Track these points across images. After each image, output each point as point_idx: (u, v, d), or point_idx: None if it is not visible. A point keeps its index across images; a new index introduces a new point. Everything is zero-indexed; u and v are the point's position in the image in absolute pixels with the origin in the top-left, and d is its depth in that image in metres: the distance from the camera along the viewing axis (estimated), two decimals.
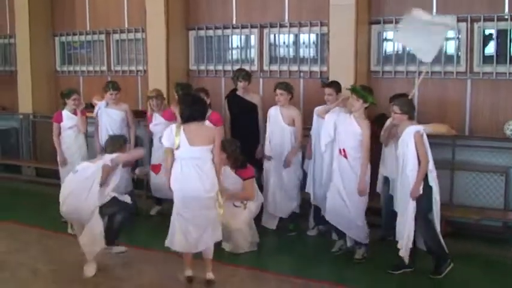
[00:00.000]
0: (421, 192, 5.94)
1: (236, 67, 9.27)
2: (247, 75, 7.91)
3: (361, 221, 6.56)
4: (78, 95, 8.29)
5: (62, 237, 7.31)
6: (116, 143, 6.58)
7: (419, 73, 7.69)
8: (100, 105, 8.27)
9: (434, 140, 7.46)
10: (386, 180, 7.06)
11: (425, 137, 6.01)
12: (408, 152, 5.96)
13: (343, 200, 6.51)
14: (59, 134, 8.12)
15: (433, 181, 6.03)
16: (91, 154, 8.14)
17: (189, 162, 5.65)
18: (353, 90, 6.48)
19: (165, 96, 8.61)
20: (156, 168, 7.99)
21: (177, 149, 5.67)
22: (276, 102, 7.38)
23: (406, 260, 6.12)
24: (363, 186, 6.44)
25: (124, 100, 10.40)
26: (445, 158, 7.49)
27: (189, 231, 5.75)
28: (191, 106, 5.82)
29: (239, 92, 7.94)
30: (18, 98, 11.23)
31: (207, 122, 6.29)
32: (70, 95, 8.14)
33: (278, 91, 7.31)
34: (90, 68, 11.04)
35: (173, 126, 5.83)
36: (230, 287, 5.97)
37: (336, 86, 7.15)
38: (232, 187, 6.82)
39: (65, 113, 8.15)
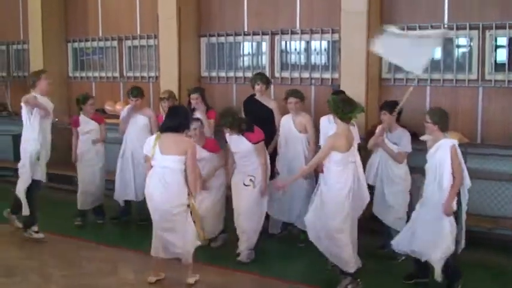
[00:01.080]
0: (454, 208, 5.81)
1: (247, 74, 9.32)
2: (264, 79, 7.89)
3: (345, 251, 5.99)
4: (93, 100, 8.46)
5: (72, 242, 7.36)
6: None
7: (415, 80, 7.68)
8: (125, 109, 8.39)
9: None
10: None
11: (459, 151, 5.89)
12: (444, 167, 5.80)
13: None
14: (77, 137, 8.30)
15: (464, 198, 5.93)
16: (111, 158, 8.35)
17: (158, 171, 5.84)
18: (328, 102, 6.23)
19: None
20: None
21: (152, 157, 5.87)
22: (289, 110, 7.37)
23: (439, 277, 5.84)
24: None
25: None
26: None
27: (157, 235, 5.95)
28: (170, 117, 6.06)
29: (257, 96, 7.92)
30: None
31: (203, 151, 6.82)
32: (86, 101, 8.29)
33: (291, 99, 7.27)
34: (103, 74, 11.10)
35: (154, 135, 6.11)
36: None
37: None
38: (238, 150, 6.84)
39: (82, 118, 8.29)
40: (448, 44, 7.90)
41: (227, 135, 6.87)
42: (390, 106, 6.69)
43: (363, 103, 7.68)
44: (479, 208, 7.38)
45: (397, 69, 8.18)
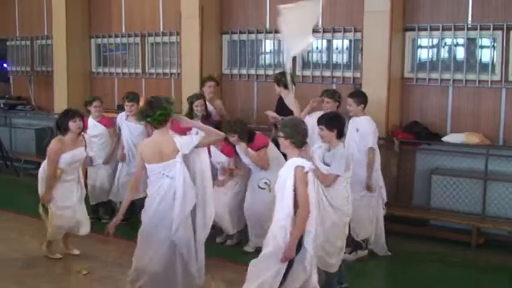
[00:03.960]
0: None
1: (269, 71, 9.34)
2: (280, 79, 7.72)
3: None
4: (100, 102, 8.25)
5: (93, 236, 7.41)
6: None
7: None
8: (121, 115, 8.22)
9: (468, 149, 7.47)
10: None
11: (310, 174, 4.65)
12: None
13: None
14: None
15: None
16: None
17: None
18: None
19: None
20: None
21: None
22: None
23: None
24: None
25: None
26: (478, 168, 7.43)
27: None
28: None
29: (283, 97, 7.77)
30: (54, 98, 11.43)
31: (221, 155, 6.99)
32: (92, 102, 8.16)
33: (325, 99, 7.14)
34: (125, 70, 11.19)
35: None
36: None
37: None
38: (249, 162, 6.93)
39: (90, 121, 8.07)
40: (471, 44, 7.86)
41: (237, 146, 6.91)
42: (327, 120, 5.61)
43: (384, 102, 7.76)
44: (500, 211, 7.32)
45: (420, 68, 8.17)
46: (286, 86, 7.52)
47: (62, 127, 6.48)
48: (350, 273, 6.29)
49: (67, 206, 6.56)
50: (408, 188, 8.10)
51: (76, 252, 6.88)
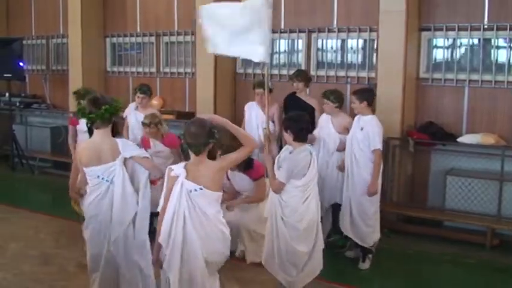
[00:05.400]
0: None
1: (283, 71, 9.34)
2: (300, 76, 7.80)
3: None
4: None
5: None
6: None
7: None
8: (131, 106, 8.25)
9: (483, 150, 7.43)
10: None
11: None
12: None
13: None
14: (75, 136, 7.69)
15: None
16: None
17: None
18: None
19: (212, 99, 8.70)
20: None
21: None
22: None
23: None
24: None
25: (172, 102, 10.60)
26: (494, 169, 7.37)
27: None
28: None
29: (297, 93, 7.84)
30: (69, 97, 11.47)
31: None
32: (85, 96, 7.97)
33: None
34: (140, 70, 11.23)
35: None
36: None
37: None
38: (244, 189, 6.77)
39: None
40: (487, 45, 7.81)
41: (229, 171, 6.52)
42: (288, 121, 5.34)
43: (399, 102, 7.71)
44: None
45: (435, 69, 8.13)
46: (308, 82, 7.68)
47: None
48: (362, 273, 6.31)
49: None
50: (423, 189, 8.07)
51: None
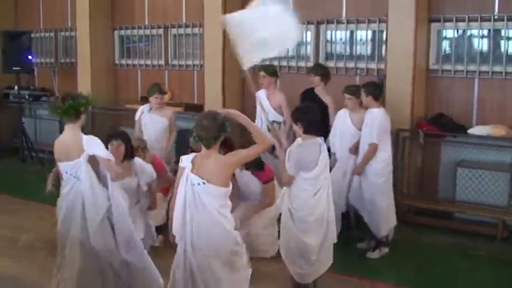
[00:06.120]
0: None
1: (292, 63, 9.31)
2: (315, 70, 7.64)
3: None
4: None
5: None
6: None
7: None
8: (143, 109, 7.91)
9: (494, 141, 7.39)
10: None
11: None
12: None
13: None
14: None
15: None
16: None
17: None
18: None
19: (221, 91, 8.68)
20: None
21: None
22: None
23: None
24: None
25: (180, 94, 10.59)
26: (504, 160, 7.35)
27: None
28: None
29: (316, 89, 7.61)
30: (78, 90, 11.49)
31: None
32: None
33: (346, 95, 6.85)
34: (148, 62, 11.23)
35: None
36: None
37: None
38: (249, 190, 6.50)
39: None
40: (497, 36, 7.76)
41: (237, 170, 6.20)
42: (298, 113, 5.33)
43: (409, 94, 7.69)
44: None
45: (445, 60, 8.09)
46: (325, 77, 7.51)
47: None
48: (373, 265, 6.31)
49: None
50: (433, 181, 8.04)
51: None
